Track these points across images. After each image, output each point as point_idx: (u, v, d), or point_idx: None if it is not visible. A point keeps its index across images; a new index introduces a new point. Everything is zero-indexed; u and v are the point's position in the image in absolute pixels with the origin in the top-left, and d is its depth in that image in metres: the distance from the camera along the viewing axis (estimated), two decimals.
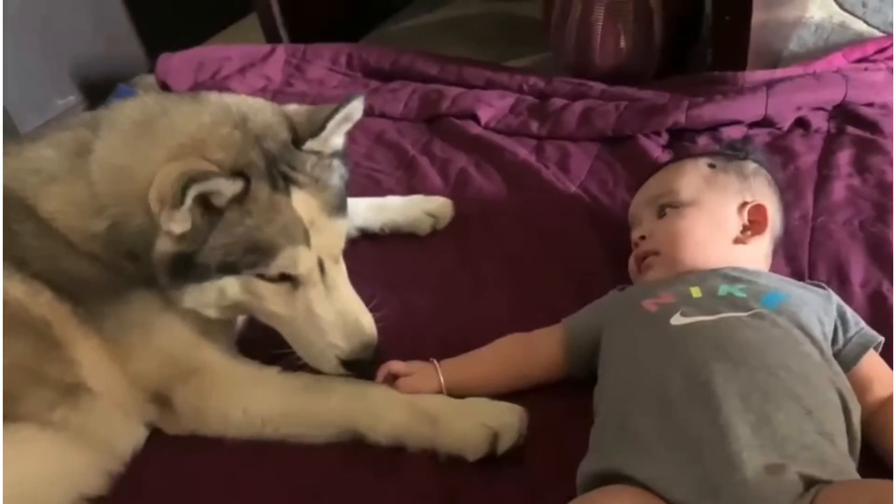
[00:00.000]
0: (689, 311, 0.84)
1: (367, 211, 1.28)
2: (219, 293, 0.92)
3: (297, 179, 0.91)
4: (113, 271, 0.94)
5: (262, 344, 1.05)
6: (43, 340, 0.92)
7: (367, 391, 0.95)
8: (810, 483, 0.68)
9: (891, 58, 1.53)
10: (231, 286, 0.92)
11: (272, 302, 0.94)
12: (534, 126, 1.52)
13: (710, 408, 0.74)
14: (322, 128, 0.93)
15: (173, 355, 0.97)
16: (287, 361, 0.99)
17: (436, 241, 1.27)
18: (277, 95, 1.77)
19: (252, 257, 0.89)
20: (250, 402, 0.96)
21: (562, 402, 0.95)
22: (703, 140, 1.38)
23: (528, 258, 1.20)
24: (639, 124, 1.44)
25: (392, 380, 0.94)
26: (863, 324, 0.88)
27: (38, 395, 0.90)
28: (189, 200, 0.83)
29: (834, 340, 0.85)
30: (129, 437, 0.98)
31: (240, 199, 0.87)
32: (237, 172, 0.87)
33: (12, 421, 0.88)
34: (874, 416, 0.81)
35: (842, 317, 0.87)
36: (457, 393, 0.94)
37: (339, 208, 0.95)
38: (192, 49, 1.92)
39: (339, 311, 0.94)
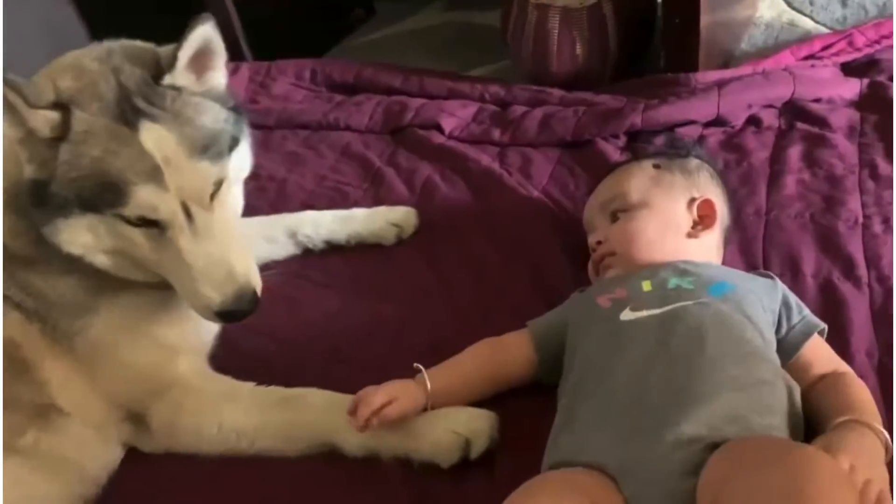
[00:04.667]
0: (639, 306, 0.88)
1: (333, 223, 1.30)
2: (89, 233, 0.89)
3: (150, 113, 0.87)
4: (61, 278, 0.94)
5: (235, 360, 1.07)
6: (12, 362, 0.92)
7: (340, 403, 0.96)
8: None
9: (836, 54, 1.58)
10: (98, 227, 0.89)
11: (140, 247, 0.90)
12: (496, 134, 1.54)
13: (642, 395, 0.77)
14: (174, 59, 0.89)
15: (146, 372, 0.98)
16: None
17: (402, 251, 1.29)
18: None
19: (108, 195, 0.86)
20: (225, 417, 0.97)
21: (531, 404, 0.97)
22: (659, 141, 1.42)
23: (494, 263, 1.22)
24: (597, 128, 1.47)
25: (376, 412, 0.88)
26: (806, 311, 0.91)
27: (7, 419, 0.90)
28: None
29: (778, 327, 0.88)
30: (102, 458, 0.99)
31: (65, 129, 0.85)
32: (58, 104, 0.85)
33: None
34: (809, 393, 0.84)
35: (786, 304, 0.90)
36: (441, 402, 0.93)
37: (207, 149, 0.89)
38: None
39: (208, 259, 0.89)
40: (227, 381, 1.01)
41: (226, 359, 1.06)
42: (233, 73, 1.91)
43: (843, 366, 0.88)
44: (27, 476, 0.91)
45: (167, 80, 0.89)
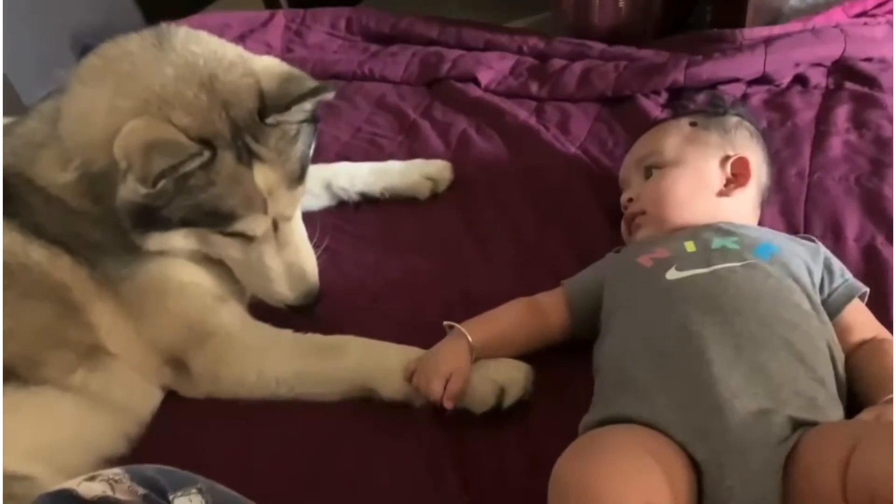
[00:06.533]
0: (684, 265, 0.87)
1: (368, 175, 1.30)
2: (180, 240, 0.97)
3: (259, 153, 0.92)
4: (113, 228, 0.96)
5: (274, 308, 1.08)
6: (63, 304, 0.95)
7: (377, 350, 0.99)
8: (797, 425, 0.71)
9: (891, 11, 1.52)
10: (190, 236, 0.97)
11: (227, 251, 1.00)
12: (534, 87, 1.52)
13: (702, 359, 0.77)
14: (288, 108, 0.93)
15: (188, 319, 1.00)
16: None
17: (437, 205, 1.29)
18: None
19: (212, 219, 0.94)
20: (265, 364, 1.00)
21: (564, 358, 0.97)
22: (701, 98, 1.38)
23: (529, 220, 1.22)
24: (638, 84, 1.44)
25: (442, 397, 0.89)
26: (848, 274, 0.90)
27: (59, 358, 0.94)
28: (155, 175, 0.85)
29: (820, 290, 0.87)
30: (146, 399, 1.02)
31: (204, 168, 0.89)
32: (204, 140, 0.88)
33: (35, 384, 0.92)
34: (850, 357, 0.83)
35: (828, 268, 0.89)
36: (482, 356, 0.94)
37: (300, 178, 0.98)
38: (192, 17, 1.92)
39: (287, 264, 1.01)
40: (267, 329, 1.03)
41: (265, 307, 1.08)
42: (268, 20, 1.90)
43: (883, 331, 0.87)
44: (78, 413, 0.94)
45: (274, 119, 0.93)
